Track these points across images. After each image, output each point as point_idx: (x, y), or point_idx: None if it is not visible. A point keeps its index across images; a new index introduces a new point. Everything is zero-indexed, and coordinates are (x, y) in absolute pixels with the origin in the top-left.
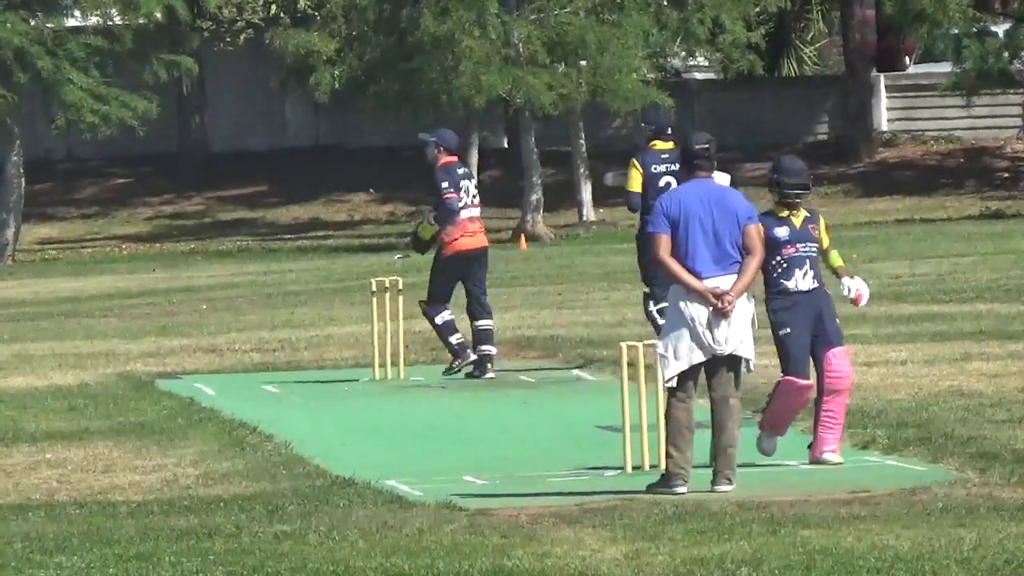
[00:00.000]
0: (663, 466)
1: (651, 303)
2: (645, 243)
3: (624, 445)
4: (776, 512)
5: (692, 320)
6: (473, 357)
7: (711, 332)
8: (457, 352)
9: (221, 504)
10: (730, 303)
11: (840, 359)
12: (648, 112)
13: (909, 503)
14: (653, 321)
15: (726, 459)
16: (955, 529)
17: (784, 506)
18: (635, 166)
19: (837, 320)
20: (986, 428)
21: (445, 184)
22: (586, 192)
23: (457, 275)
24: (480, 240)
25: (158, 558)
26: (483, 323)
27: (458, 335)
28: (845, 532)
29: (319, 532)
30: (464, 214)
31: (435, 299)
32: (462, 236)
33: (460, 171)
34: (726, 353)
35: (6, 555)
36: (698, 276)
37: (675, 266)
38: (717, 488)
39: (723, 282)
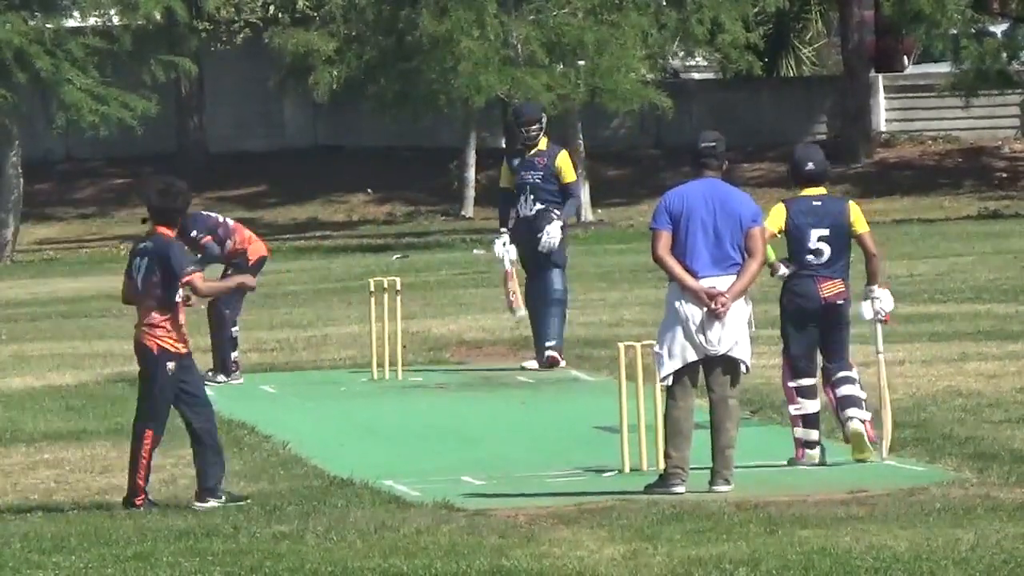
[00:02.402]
0: (660, 466)
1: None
2: None
3: (622, 445)
4: (774, 512)
5: (686, 319)
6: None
7: (704, 332)
8: (232, 368)
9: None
10: (723, 305)
11: None
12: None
13: (907, 503)
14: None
15: (724, 460)
16: (953, 529)
17: (782, 506)
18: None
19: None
20: (984, 428)
21: (194, 233)
22: (584, 193)
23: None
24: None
25: (156, 558)
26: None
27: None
28: (843, 532)
29: (317, 532)
30: (231, 220)
31: (234, 313)
32: (254, 240)
33: (205, 214)
34: (719, 353)
35: (4, 555)
36: (695, 275)
37: (672, 263)
38: (715, 488)
39: (720, 282)
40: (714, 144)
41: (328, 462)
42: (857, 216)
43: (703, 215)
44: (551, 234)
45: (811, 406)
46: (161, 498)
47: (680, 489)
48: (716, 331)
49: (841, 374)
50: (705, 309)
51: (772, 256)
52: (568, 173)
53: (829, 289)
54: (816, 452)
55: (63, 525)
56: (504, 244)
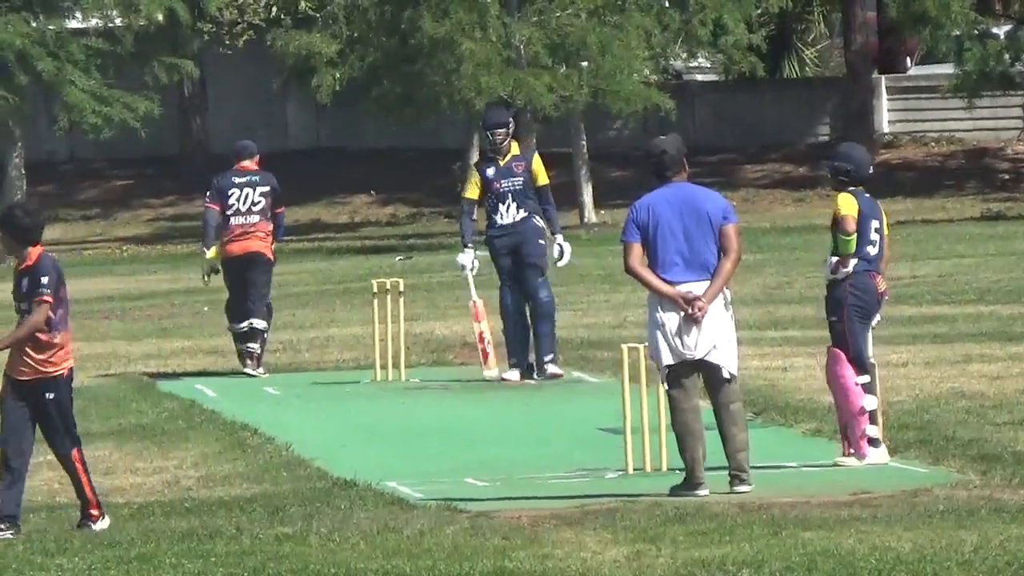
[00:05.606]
0: (660, 467)
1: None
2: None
3: (625, 447)
4: (777, 514)
5: (663, 325)
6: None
7: (681, 337)
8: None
9: (222, 506)
10: (700, 309)
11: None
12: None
13: (910, 505)
14: None
15: (738, 462)
16: (956, 531)
17: (785, 508)
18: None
19: (832, 318)
20: (987, 430)
21: (208, 193)
22: (587, 194)
23: (235, 279)
24: (247, 246)
25: (159, 560)
26: (255, 322)
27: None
28: (846, 534)
29: (320, 534)
30: (234, 220)
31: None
32: (227, 242)
33: (238, 179)
34: (695, 358)
35: (8, 557)
36: (670, 284)
37: (646, 274)
38: (736, 490)
39: (697, 287)
40: (675, 151)
41: (331, 463)
42: (885, 216)
43: (671, 221)
44: (566, 252)
45: (874, 402)
46: (164, 499)
47: (704, 492)
48: (693, 336)
49: (867, 378)
50: (683, 314)
51: (852, 247)
52: (541, 176)
53: (882, 284)
54: (882, 451)
55: (66, 527)
56: (473, 262)
